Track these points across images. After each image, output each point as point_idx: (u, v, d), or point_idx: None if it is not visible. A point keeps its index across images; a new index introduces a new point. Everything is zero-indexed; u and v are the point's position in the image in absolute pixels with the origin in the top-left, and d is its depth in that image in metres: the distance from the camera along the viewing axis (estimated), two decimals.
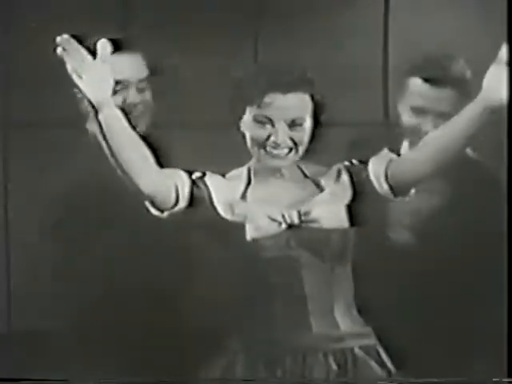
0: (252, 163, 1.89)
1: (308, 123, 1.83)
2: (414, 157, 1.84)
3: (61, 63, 1.68)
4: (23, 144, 2.71)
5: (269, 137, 1.82)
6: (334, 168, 1.91)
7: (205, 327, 2.01)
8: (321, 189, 1.88)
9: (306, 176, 1.91)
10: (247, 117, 1.83)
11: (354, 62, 2.81)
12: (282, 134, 1.81)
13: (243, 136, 1.83)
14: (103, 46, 1.69)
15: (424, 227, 2.03)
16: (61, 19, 2.71)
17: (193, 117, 2.79)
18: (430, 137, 1.82)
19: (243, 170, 1.91)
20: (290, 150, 1.82)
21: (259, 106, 1.82)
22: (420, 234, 1.96)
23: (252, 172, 1.88)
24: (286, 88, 1.80)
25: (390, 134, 2.88)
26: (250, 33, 2.92)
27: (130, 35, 2.96)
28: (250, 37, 2.92)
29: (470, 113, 1.73)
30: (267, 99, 1.81)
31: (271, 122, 1.83)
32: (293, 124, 1.82)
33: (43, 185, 2.43)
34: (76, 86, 1.68)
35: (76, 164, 2.42)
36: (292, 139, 1.83)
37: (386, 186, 1.84)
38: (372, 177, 1.86)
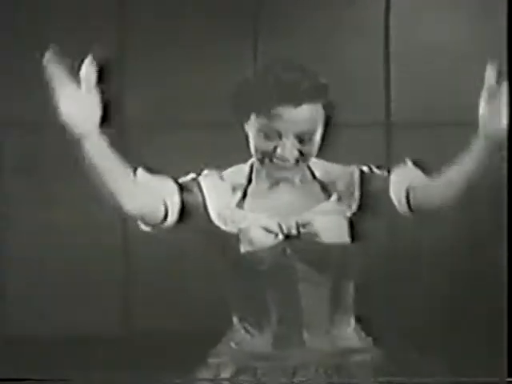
0: (255, 160, 1.82)
1: (318, 134, 1.72)
2: (441, 183, 1.71)
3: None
4: None
5: (275, 148, 1.70)
6: (346, 170, 1.81)
7: (195, 333, 2.00)
8: (328, 193, 1.78)
9: (314, 177, 1.81)
10: (253, 124, 1.72)
11: (358, 62, 2.80)
12: (289, 148, 1.69)
13: (247, 136, 1.74)
14: (88, 73, 1.55)
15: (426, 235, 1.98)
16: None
17: (194, 116, 2.79)
18: (455, 169, 1.69)
19: (245, 168, 1.83)
20: (298, 160, 1.70)
21: (267, 118, 1.69)
22: (422, 240, 1.91)
23: (254, 170, 1.80)
24: (299, 100, 1.68)
25: (393, 134, 2.88)
26: (249, 33, 2.92)
27: (130, 35, 2.96)
28: (249, 37, 2.91)
29: (475, 150, 1.66)
30: (277, 111, 1.69)
31: (279, 134, 1.71)
32: (302, 137, 1.70)
33: None
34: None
35: None
36: (300, 151, 1.71)
37: (405, 204, 1.73)
38: (392, 191, 1.74)
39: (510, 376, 2.06)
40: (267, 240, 1.66)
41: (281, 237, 1.67)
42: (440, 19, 2.81)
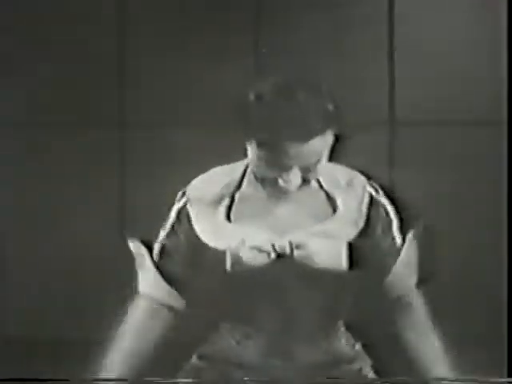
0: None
1: (325, 158, 1.59)
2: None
3: None
4: None
5: (276, 177, 1.58)
6: (360, 187, 1.67)
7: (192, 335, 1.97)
8: (333, 207, 1.64)
9: (321, 186, 1.69)
10: (253, 149, 1.54)
11: (361, 61, 2.81)
12: (294, 179, 1.53)
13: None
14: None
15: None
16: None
17: (194, 116, 2.79)
18: None
19: (238, 168, 1.71)
20: (301, 185, 1.59)
21: (271, 152, 1.51)
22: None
23: (248, 172, 1.67)
24: (307, 136, 1.49)
25: (397, 133, 2.88)
26: (249, 32, 2.92)
27: (130, 35, 2.97)
28: (249, 36, 2.91)
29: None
30: (282, 147, 1.49)
31: (283, 167, 1.53)
32: (308, 166, 1.58)
33: None
34: None
35: None
36: (304, 178, 1.59)
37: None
38: (400, 260, 1.67)
39: (510, 376, 2.06)
40: (258, 259, 1.56)
41: (273, 256, 1.56)
42: (443, 19, 2.80)
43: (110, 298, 2.96)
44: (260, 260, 1.54)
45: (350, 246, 1.58)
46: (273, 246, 1.56)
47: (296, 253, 1.56)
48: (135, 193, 2.78)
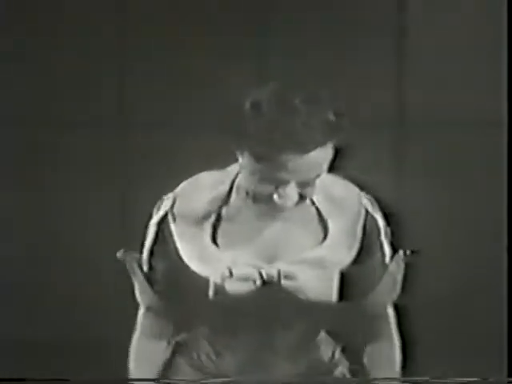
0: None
1: (324, 173, 1.44)
2: None
3: None
4: None
5: (272, 192, 1.43)
6: (355, 201, 1.61)
7: None
8: (326, 227, 1.55)
9: (313, 203, 1.55)
10: (246, 163, 1.41)
11: (369, 64, 2.81)
12: (290, 195, 1.41)
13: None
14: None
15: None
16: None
17: (194, 117, 2.79)
18: None
19: (226, 178, 1.55)
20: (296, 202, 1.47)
21: (266, 165, 1.38)
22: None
23: (236, 185, 1.52)
24: (307, 148, 1.36)
25: (403, 135, 2.88)
26: (251, 33, 2.92)
27: (130, 37, 2.97)
28: (252, 37, 2.91)
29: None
30: (279, 160, 1.37)
31: (279, 182, 1.41)
32: (306, 181, 1.42)
33: None
34: None
35: None
36: (301, 195, 1.44)
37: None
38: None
39: (510, 376, 2.06)
40: (243, 287, 1.47)
41: (258, 283, 1.48)
42: (443, 19, 2.80)
43: (111, 299, 2.97)
44: (245, 288, 1.47)
45: (342, 276, 1.49)
46: (260, 273, 1.47)
47: (284, 282, 1.47)
48: (135, 196, 2.78)
